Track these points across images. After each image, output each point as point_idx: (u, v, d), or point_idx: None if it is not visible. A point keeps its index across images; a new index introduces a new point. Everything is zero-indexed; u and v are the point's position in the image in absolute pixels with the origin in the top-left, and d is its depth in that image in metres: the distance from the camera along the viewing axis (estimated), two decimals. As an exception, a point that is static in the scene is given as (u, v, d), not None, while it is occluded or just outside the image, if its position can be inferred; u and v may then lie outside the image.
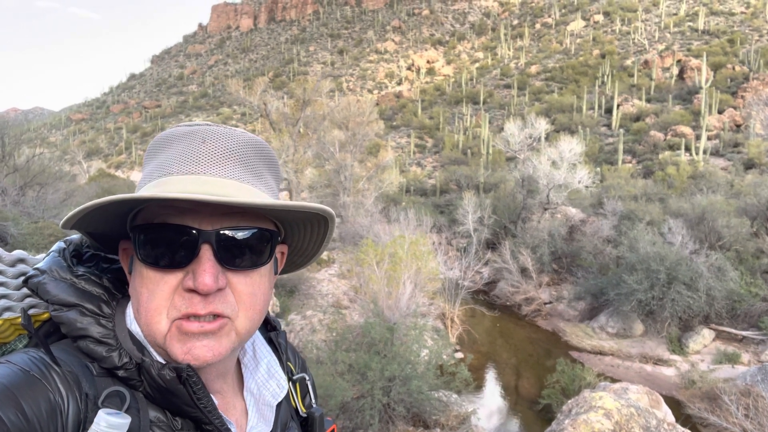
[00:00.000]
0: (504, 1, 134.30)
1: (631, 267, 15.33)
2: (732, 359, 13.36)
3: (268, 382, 0.92)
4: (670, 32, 74.76)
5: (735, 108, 40.85)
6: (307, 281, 18.23)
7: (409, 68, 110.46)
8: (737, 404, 10.16)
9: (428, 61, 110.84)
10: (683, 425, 9.88)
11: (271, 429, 0.89)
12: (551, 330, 16.98)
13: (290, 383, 0.99)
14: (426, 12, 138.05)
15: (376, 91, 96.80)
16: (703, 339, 14.49)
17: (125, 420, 0.67)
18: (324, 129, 26.98)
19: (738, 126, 39.08)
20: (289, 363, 1.02)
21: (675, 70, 56.58)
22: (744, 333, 14.30)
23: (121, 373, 0.73)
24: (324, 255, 22.43)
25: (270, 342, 0.99)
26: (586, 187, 23.62)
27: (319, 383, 8.99)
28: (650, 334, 15.28)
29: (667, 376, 13.56)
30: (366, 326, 10.47)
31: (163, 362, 0.74)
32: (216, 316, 0.74)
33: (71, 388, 0.67)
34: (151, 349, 0.76)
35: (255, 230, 0.78)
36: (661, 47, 69.24)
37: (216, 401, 0.78)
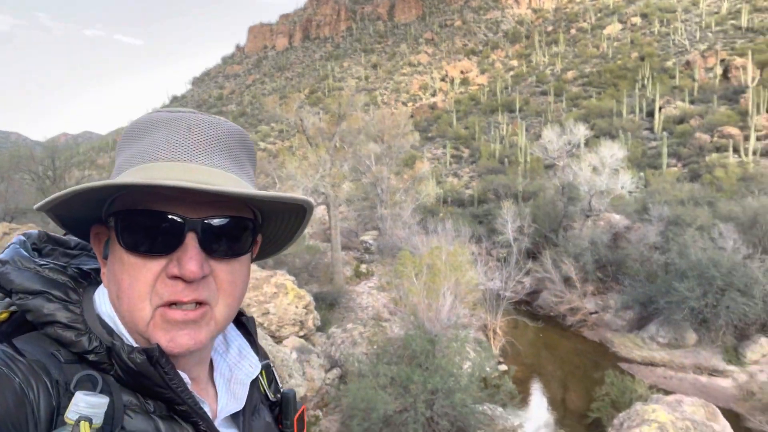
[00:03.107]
0: (537, 8, 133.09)
1: (681, 274, 14.79)
2: (794, 369, 12.65)
3: (240, 363, 0.93)
4: (711, 31, 72.42)
5: (786, 106, 39.03)
6: (346, 294, 18.29)
7: (442, 79, 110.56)
8: (802, 417, 9.59)
9: (462, 72, 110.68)
10: (744, 440, 9.39)
11: (242, 407, 0.89)
12: (598, 341, 16.48)
13: None
14: (458, 23, 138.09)
15: (410, 103, 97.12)
16: (761, 348, 13.80)
17: (103, 399, 0.67)
18: (359, 142, 27.17)
19: (790, 124, 37.33)
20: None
21: (719, 70, 54.68)
22: (807, 341, 13.54)
23: (91, 357, 0.72)
24: (363, 268, 22.46)
25: (241, 326, 0.99)
26: (630, 192, 22.99)
27: (362, 396, 8.94)
28: (704, 343, 14.64)
29: (724, 388, 12.95)
30: (407, 338, 10.40)
31: (133, 346, 0.73)
32: (198, 303, 0.74)
33: (39, 377, 0.65)
34: (124, 332, 0.76)
35: (238, 219, 0.79)
36: (703, 47, 67.05)
37: (190, 385, 0.78)
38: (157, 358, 0.71)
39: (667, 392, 11.44)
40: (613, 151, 22.70)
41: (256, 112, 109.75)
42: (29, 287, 0.73)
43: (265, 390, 1.00)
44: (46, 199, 0.69)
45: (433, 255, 13.67)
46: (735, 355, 13.88)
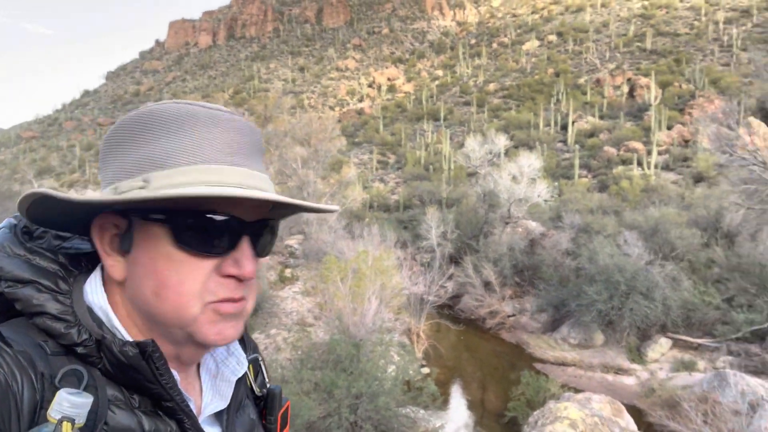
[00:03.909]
0: (462, 21, 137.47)
1: (590, 278, 15.70)
2: (689, 367, 13.78)
3: (227, 359, 0.93)
4: (620, 52, 77.86)
5: (683, 124, 42.69)
6: (270, 299, 17.91)
7: (370, 85, 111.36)
8: (696, 410, 10.46)
9: (389, 79, 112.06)
10: (645, 432, 10.11)
11: (227, 405, 0.90)
12: (515, 342, 17.17)
13: None
14: (386, 31, 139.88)
15: (337, 108, 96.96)
16: (660, 348, 14.91)
17: (88, 399, 0.66)
18: (286, 145, 26.81)
19: (686, 141, 40.82)
20: None
21: (625, 89, 58.86)
22: (699, 341, 14.79)
23: (80, 349, 0.70)
24: (287, 272, 22.13)
25: None
26: (545, 201, 24.15)
27: (285, 403, 8.77)
28: (610, 343, 15.63)
29: (628, 385, 13.87)
30: (331, 343, 10.34)
31: (125, 339, 0.73)
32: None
33: (24, 369, 0.64)
34: (117, 324, 0.75)
35: (277, 223, 0.86)
36: (611, 66, 71.95)
37: (180, 378, 0.79)
38: (150, 352, 0.71)
39: (577, 390, 12.09)
40: (530, 161, 23.79)
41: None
42: (19, 276, 0.71)
43: (251, 384, 1.01)
44: (117, 197, 0.69)
45: (359, 259, 13.71)
46: (638, 355, 14.91)
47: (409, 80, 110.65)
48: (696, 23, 78.92)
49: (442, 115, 70.10)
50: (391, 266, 14.65)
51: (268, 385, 1.04)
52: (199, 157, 0.74)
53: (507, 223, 22.91)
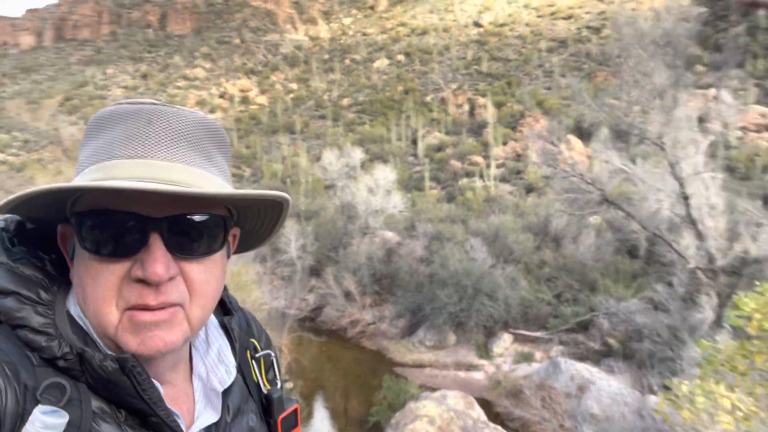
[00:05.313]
0: (314, 36, 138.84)
1: (442, 283, 16.76)
2: (528, 358, 15.32)
3: (217, 367, 0.88)
4: (461, 74, 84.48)
5: (516, 140, 47.52)
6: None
7: (221, 96, 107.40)
8: (535, 397, 11.68)
9: (242, 90, 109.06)
10: (494, 422, 11.04)
11: (219, 416, 0.86)
12: (376, 349, 17.67)
13: (253, 360, 0.98)
14: (237, 41, 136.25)
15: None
16: (504, 343, 16.37)
17: (62, 419, 0.64)
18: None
19: (519, 156, 45.45)
20: (252, 340, 1.00)
21: (466, 107, 64.00)
22: (535, 334, 16.52)
23: (61, 363, 0.68)
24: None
25: (223, 327, 0.95)
26: (400, 211, 25.27)
27: None
28: (461, 343, 16.80)
29: (478, 380, 15.02)
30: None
31: (106, 353, 0.71)
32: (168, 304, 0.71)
33: (9, 380, 0.62)
34: (96, 337, 0.73)
35: (207, 216, 0.74)
36: (454, 86, 77.76)
37: (165, 391, 0.76)
38: (130, 367, 0.68)
39: (434, 389, 12.80)
40: (385, 174, 24.77)
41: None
42: (2, 286, 0.69)
43: (258, 380, 0.97)
44: (2, 201, 0.64)
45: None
46: (485, 351, 16.21)
47: (263, 92, 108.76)
48: (523, 50, 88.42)
49: (298, 128, 70.04)
50: (250, 281, 14.30)
51: (278, 383, 1.01)
52: (102, 155, 0.72)
53: (365, 234, 23.56)
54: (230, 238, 0.84)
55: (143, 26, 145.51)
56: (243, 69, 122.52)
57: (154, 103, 0.75)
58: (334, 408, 14.19)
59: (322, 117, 76.29)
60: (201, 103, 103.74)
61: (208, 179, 0.74)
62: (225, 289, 0.92)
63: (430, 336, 17.12)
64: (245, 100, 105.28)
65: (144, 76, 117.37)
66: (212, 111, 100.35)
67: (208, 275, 0.76)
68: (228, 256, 0.85)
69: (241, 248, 0.94)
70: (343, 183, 26.81)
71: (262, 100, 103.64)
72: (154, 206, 0.69)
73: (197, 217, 0.73)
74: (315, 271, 22.47)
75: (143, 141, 0.71)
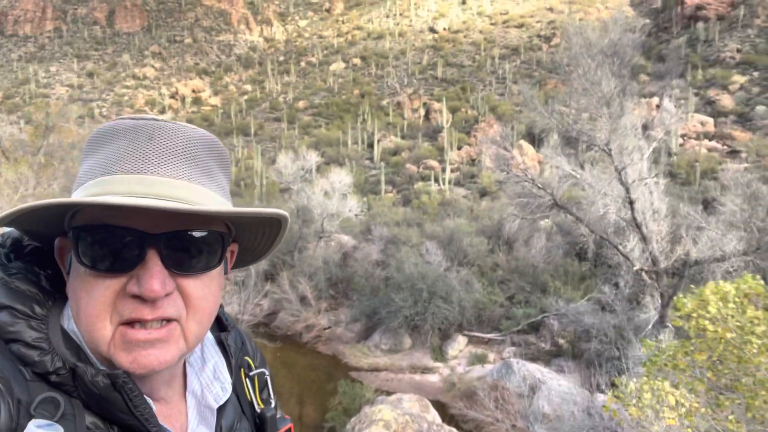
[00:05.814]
0: (269, 37, 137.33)
1: (398, 286, 16.83)
2: (481, 360, 15.54)
3: (212, 384, 0.88)
4: (416, 78, 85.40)
5: (470, 145, 48.39)
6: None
7: (172, 96, 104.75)
8: (489, 398, 11.85)
9: (194, 91, 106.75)
10: (448, 424, 11.14)
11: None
12: (332, 354, 17.56)
13: (247, 378, 0.98)
14: (189, 40, 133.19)
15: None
16: (458, 345, 16.57)
17: None
18: (73, 159, 23.85)
19: (473, 160, 46.30)
20: (247, 358, 1.00)
21: (422, 112, 64.74)
22: (489, 336, 16.79)
23: (53, 378, 0.68)
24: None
25: (220, 343, 0.94)
26: (356, 215, 25.27)
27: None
28: (417, 346, 16.89)
29: (433, 382, 15.12)
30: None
31: (98, 368, 0.70)
32: (164, 321, 0.71)
33: (3, 395, 0.62)
34: (89, 353, 0.72)
35: (206, 233, 0.75)
36: (410, 91, 78.50)
37: (158, 408, 0.76)
38: (121, 383, 0.68)
39: (389, 393, 12.83)
40: (341, 177, 24.73)
41: None
42: None
43: (252, 399, 0.97)
44: (1, 215, 0.63)
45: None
46: (440, 353, 16.36)
47: (216, 93, 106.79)
48: (477, 57, 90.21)
49: (252, 130, 69.07)
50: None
51: (272, 402, 1.01)
52: (102, 170, 0.73)
53: (321, 238, 23.42)
54: (228, 255, 0.84)
55: (90, 23, 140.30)
56: (195, 69, 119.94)
57: (155, 119, 0.75)
58: (289, 414, 14.01)
59: (277, 119, 75.56)
60: (151, 103, 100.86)
61: (207, 196, 0.75)
62: (221, 306, 0.92)
63: (385, 340, 17.14)
64: (197, 101, 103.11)
65: (90, 75, 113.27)
66: (163, 111, 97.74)
67: (206, 291, 0.76)
68: (225, 272, 0.85)
69: (239, 264, 0.95)
70: (299, 186, 26.57)
71: (215, 101, 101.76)
72: (152, 222, 0.70)
73: (196, 234, 0.74)
74: (269, 276, 22.14)
75: (143, 157, 0.72)
